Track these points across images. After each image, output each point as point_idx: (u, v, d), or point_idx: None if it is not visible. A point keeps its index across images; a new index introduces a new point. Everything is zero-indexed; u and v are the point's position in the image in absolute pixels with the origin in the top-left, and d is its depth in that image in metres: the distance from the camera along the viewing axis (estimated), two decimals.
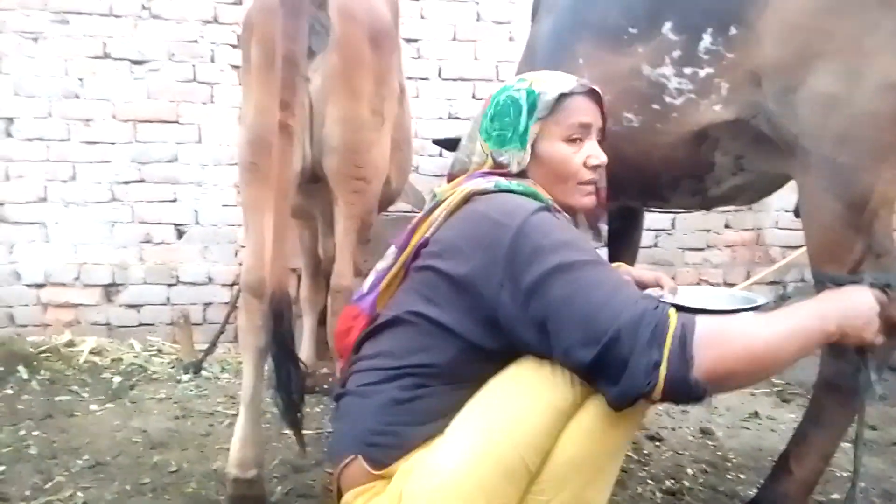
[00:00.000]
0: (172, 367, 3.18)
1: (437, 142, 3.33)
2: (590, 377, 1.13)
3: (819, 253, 1.52)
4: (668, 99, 1.73)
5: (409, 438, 1.26)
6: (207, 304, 3.58)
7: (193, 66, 3.44)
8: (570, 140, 1.35)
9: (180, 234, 3.54)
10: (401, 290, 1.37)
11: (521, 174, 1.37)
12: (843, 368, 1.51)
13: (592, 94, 1.38)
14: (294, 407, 1.65)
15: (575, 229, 1.27)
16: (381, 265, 1.45)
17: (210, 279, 3.56)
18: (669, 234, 3.81)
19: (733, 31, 1.59)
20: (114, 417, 2.53)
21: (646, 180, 1.89)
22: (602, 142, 1.41)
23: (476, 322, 1.23)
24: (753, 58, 1.57)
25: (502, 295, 1.19)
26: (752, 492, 2.00)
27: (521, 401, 1.20)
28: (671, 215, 3.77)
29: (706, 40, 1.64)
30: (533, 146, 1.35)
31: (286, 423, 1.67)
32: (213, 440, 2.33)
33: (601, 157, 1.37)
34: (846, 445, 1.97)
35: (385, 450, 1.27)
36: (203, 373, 3.13)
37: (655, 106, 1.76)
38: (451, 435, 1.24)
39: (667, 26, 1.70)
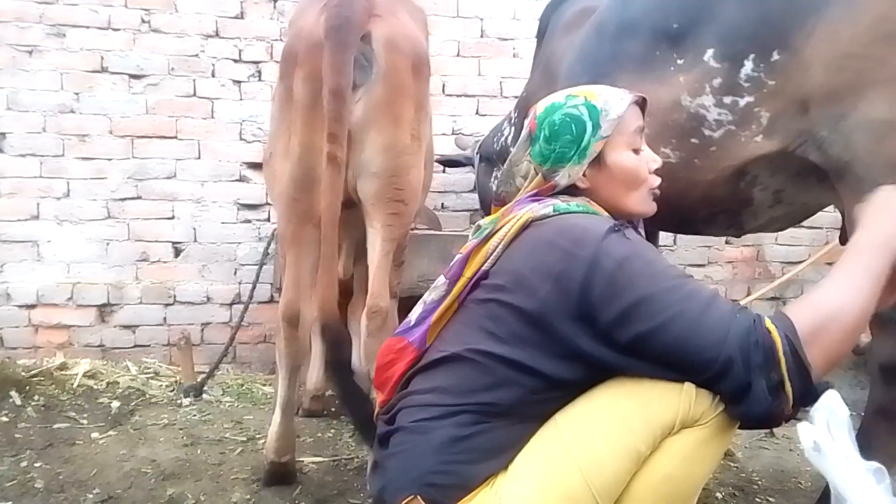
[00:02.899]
0: (172, 391, 3.08)
1: (440, 160, 3.29)
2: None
3: None
4: (707, 132, 1.71)
5: (470, 477, 1.21)
6: (205, 325, 3.48)
7: (193, 80, 3.37)
8: (635, 149, 1.34)
9: (178, 253, 3.45)
10: (457, 322, 1.32)
11: (571, 188, 1.34)
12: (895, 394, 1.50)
13: (642, 101, 1.39)
14: (369, 429, 1.68)
15: (647, 244, 1.25)
16: (429, 297, 1.39)
17: (209, 298, 3.47)
18: (671, 250, 3.81)
19: (776, 56, 1.58)
20: (118, 446, 2.43)
21: (682, 216, 1.86)
22: None
23: (552, 355, 1.19)
24: (800, 84, 1.55)
25: (582, 328, 1.16)
26: None
27: (600, 444, 1.15)
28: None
29: (747, 67, 1.63)
30: (600, 158, 1.32)
31: (369, 446, 1.81)
32: (226, 470, 2.24)
33: (659, 161, 1.37)
34: None
35: (445, 489, 1.22)
36: (204, 396, 3.04)
37: (694, 140, 1.74)
38: (521, 477, 1.19)
39: (709, 53, 1.68)
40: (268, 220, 3.51)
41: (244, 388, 3.18)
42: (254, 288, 3.22)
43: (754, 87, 1.62)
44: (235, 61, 3.40)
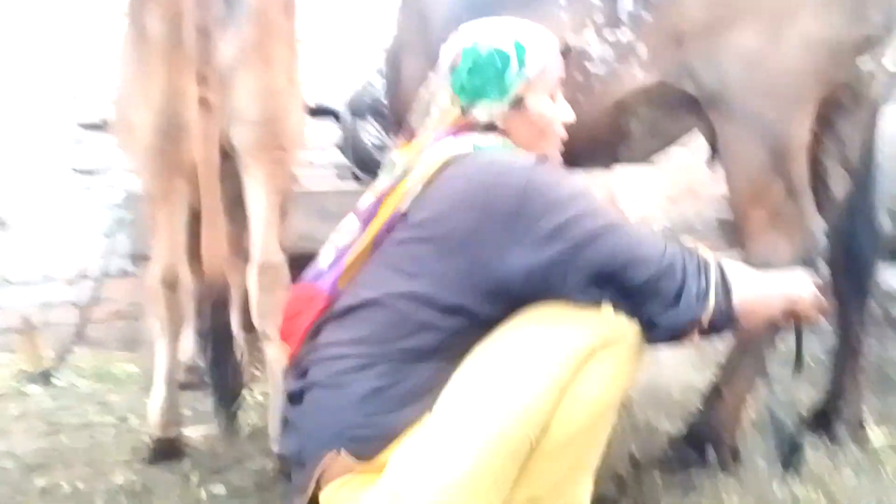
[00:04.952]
0: (15, 381, 2.75)
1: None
2: (636, 301, 1.15)
3: (743, 197, 1.65)
4: (590, 68, 1.77)
5: (395, 426, 1.18)
6: (46, 306, 3.12)
7: None
8: (552, 97, 1.35)
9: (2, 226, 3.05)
10: (373, 266, 1.26)
11: (490, 127, 1.31)
12: None
13: (566, 51, 1.41)
14: (234, 399, 1.71)
15: (575, 175, 1.28)
16: (341, 240, 1.32)
17: (47, 277, 3.11)
18: None
19: None
20: None
21: (565, 152, 1.91)
22: None
23: (475, 290, 1.18)
24: (675, 19, 1.64)
25: (513, 253, 1.16)
26: (666, 424, 2.14)
27: (523, 377, 1.15)
28: None
29: (627, 3, 1.70)
30: (520, 101, 1.31)
31: (224, 415, 1.74)
32: (100, 454, 2.04)
33: (572, 115, 1.38)
34: None
35: (370, 441, 1.19)
36: (55, 382, 2.74)
37: (578, 77, 1.78)
38: (448, 417, 1.16)
39: None
40: (110, 185, 3.19)
41: (101, 369, 2.91)
42: (107, 261, 2.93)
43: (634, 23, 1.70)
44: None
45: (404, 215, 1.24)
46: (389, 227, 1.25)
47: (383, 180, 1.31)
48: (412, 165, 1.27)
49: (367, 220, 1.28)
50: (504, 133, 1.32)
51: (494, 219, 1.17)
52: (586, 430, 1.19)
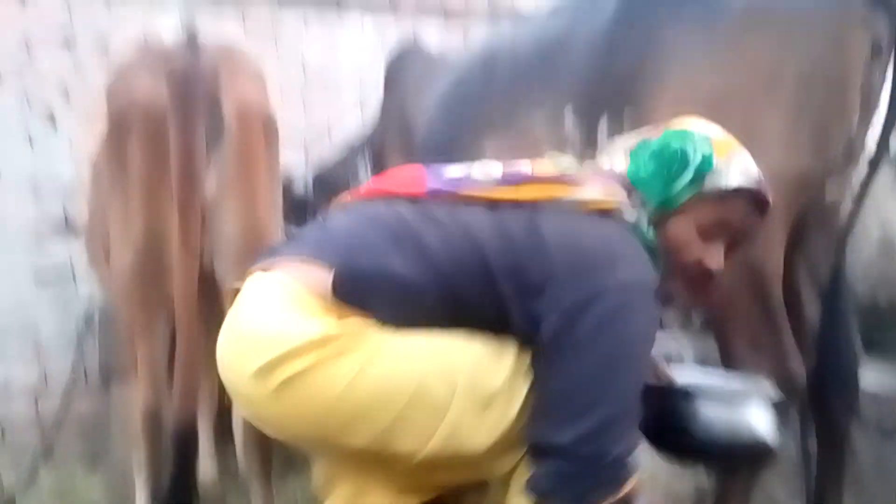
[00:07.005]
0: None
1: None
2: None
3: (724, 324, 1.68)
4: None
5: None
6: (4, 419, 2.96)
7: None
8: (706, 233, 1.16)
9: None
10: (469, 218, 1.12)
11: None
12: None
13: (763, 204, 1.19)
14: None
15: (654, 328, 1.11)
16: (475, 172, 1.19)
17: (6, 384, 2.96)
18: None
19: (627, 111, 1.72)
20: None
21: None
22: (730, 252, 1.21)
23: (498, 297, 1.06)
24: None
25: (550, 319, 1.04)
26: None
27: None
28: None
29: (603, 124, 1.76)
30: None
31: None
32: None
33: (718, 266, 1.17)
34: None
35: None
36: None
37: None
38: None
39: (568, 108, 1.81)
40: (73, 293, 3.09)
41: (66, 490, 2.74)
42: (76, 373, 2.82)
43: None
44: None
45: (534, 208, 1.11)
46: (515, 206, 1.12)
47: (546, 169, 1.18)
48: (583, 180, 1.14)
49: (507, 181, 1.15)
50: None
51: (565, 291, 1.04)
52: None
